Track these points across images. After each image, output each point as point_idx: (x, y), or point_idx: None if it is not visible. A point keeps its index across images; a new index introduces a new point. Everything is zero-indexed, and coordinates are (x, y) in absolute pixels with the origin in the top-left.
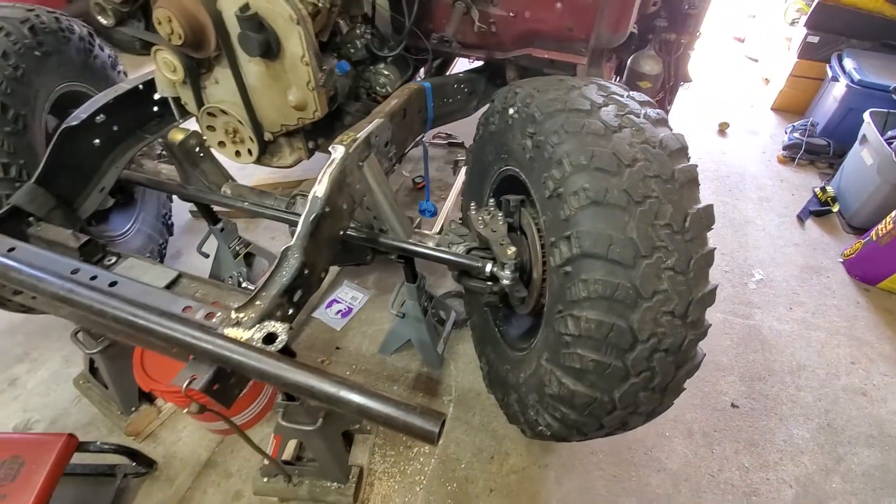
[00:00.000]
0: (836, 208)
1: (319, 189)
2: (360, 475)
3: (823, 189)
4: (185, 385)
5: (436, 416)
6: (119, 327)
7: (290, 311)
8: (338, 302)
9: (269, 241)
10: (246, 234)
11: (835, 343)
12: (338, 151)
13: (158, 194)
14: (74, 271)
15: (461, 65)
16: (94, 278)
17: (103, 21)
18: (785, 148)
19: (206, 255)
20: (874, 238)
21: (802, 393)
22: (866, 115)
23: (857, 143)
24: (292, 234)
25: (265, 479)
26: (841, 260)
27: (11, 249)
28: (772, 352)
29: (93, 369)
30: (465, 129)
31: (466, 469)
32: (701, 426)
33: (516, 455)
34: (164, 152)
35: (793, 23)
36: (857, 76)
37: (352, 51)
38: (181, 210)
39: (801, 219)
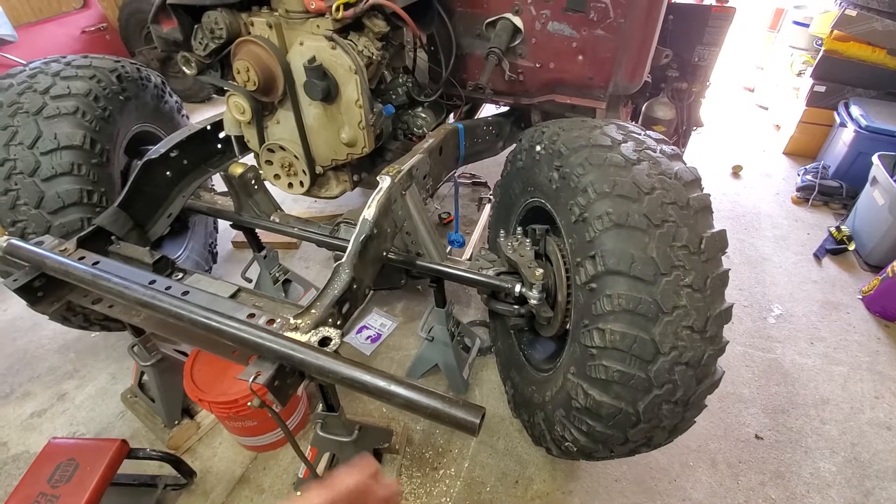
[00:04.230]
0: (852, 247)
1: (369, 213)
2: None
3: (839, 228)
4: (250, 380)
5: (476, 409)
6: (193, 329)
7: (340, 322)
8: (367, 328)
9: (304, 270)
10: (283, 264)
11: (858, 378)
12: (385, 181)
13: (207, 225)
14: (151, 282)
15: (488, 110)
16: (168, 288)
17: (187, 71)
18: (798, 189)
19: (250, 280)
20: (890, 274)
21: (827, 426)
22: (875, 158)
23: (868, 184)
24: (336, 258)
25: (298, 493)
26: (860, 297)
27: (96, 263)
28: (794, 385)
29: (141, 384)
30: (488, 170)
31: (491, 493)
32: (725, 457)
33: (540, 480)
34: (213, 186)
35: (799, 73)
36: (864, 122)
37: (394, 97)
38: (223, 241)
39: (817, 257)
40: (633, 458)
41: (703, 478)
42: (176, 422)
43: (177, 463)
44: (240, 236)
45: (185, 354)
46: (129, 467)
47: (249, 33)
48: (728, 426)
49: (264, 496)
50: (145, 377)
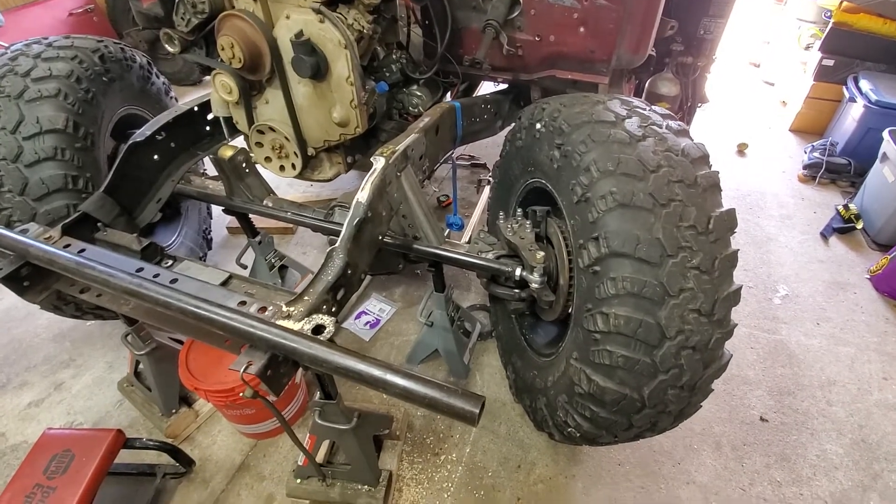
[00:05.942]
0: (860, 225)
1: (362, 195)
2: (390, 480)
3: (846, 206)
4: (242, 369)
5: (476, 398)
6: (183, 318)
7: (334, 308)
8: (366, 314)
9: (300, 255)
10: (279, 249)
11: (865, 358)
12: (379, 162)
13: (200, 210)
14: (139, 270)
15: (486, 88)
16: (156, 276)
17: (170, 49)
18: (805, 167)
19: (245, 267)
20: None
21: (834, 408)
22: (886, 134)
23: (877, 161)
24: (331, 242)
25: (298, 481)
26: (868, 276)
27: (82, 251)
28: (800, 366)
29: (137, 373)
30: (487, 151)
31: (493, 477)
32: (730, 439)
33: (543, 465)
34: (205, 171)
35: (807, 47)
36: (874, 97)
37: (388, 74)
38: (218, 226)
39: (824, 236)
40: (636, 442)
41: (708, 461)
42: (174, 410)
43: (174, 452)
44: (235, 222)
45: (181, 342)
46: (127, 457)
47: (233, 7)
48: (733, 408)
49: (265, 483)
50: (141, 366)
